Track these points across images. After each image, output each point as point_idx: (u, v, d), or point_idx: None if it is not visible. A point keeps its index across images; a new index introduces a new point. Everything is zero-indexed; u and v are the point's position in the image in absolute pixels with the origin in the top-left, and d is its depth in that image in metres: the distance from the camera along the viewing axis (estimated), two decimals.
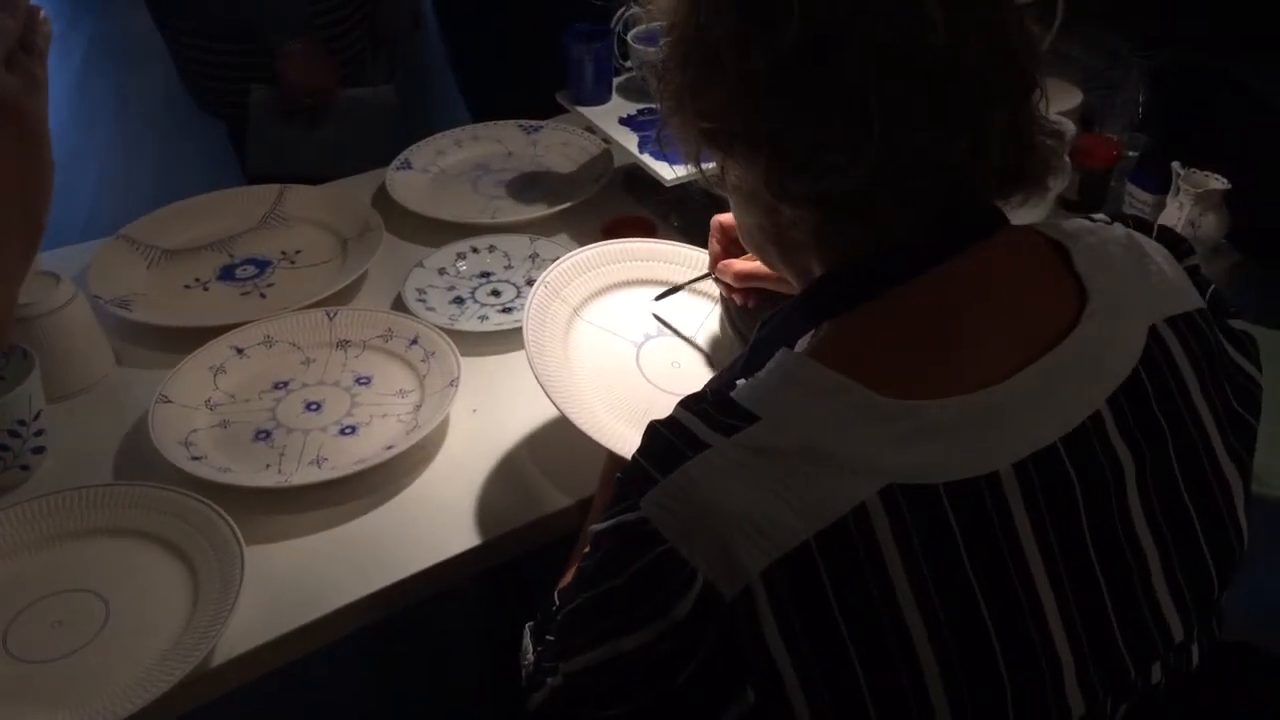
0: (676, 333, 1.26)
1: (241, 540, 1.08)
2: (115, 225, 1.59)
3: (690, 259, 1.30)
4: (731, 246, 1.17)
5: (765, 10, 0.70)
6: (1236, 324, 0.86)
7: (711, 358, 1.25)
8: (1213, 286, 0.86)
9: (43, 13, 0.85)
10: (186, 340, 1.35)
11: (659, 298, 1.27)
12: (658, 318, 1.27)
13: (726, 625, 0.66)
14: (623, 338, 1.24)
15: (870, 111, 0.68)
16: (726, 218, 1.13)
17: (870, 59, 0.68)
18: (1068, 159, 1.52)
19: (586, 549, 0.75)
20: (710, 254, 1.20)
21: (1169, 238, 0.87)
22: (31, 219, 0.84)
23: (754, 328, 0.83)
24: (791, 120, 0.71)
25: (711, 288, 1.28)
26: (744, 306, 1.19)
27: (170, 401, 1.26)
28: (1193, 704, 0.82)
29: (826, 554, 0.65)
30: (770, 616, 0.65)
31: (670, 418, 0.73)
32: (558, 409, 1.08)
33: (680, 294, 1.29)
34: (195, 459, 1.19)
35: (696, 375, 1.22)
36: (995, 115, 0.72)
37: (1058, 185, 1.51)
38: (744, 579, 0.65)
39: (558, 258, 1.26)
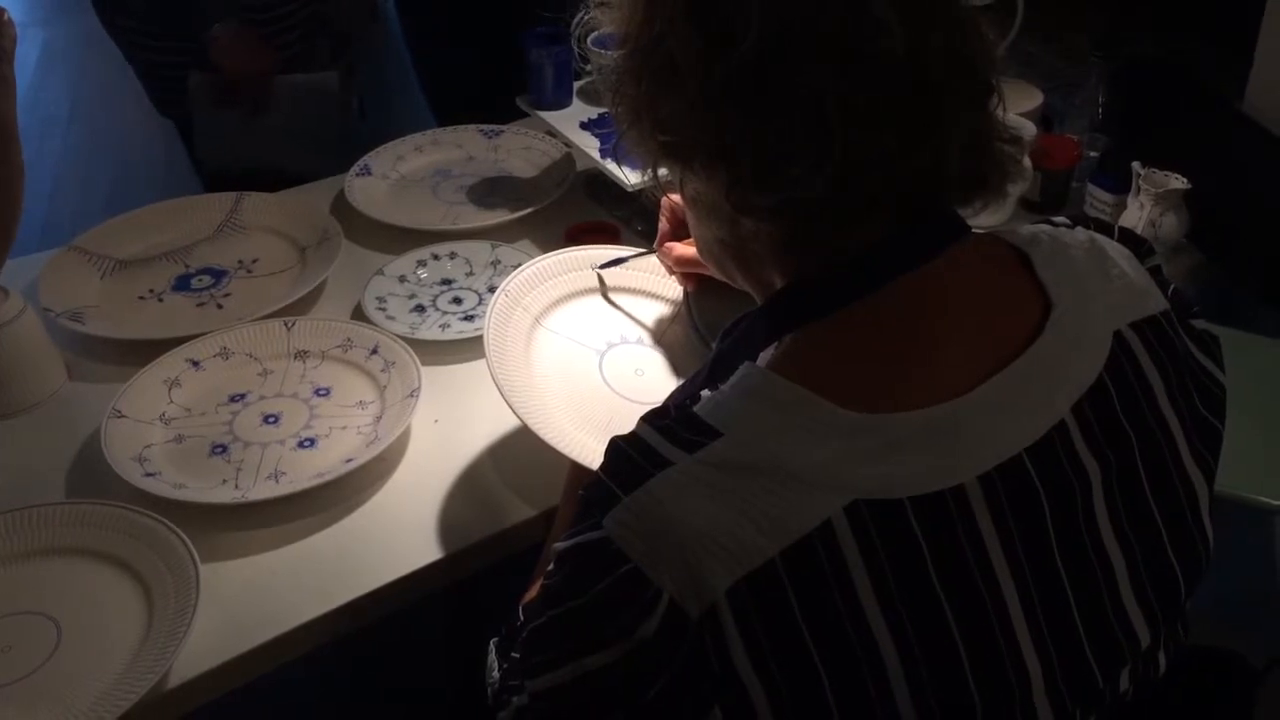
0: (613, 303, 1.27)
1: (197, 558, 1.05)
2: (71, 234, 1.56)
3: (654, 265, 1.29)
4: (680, 228, 1.17)
5: (723, 21, 0.69)
6: (1199, 324, 0.86)
7: (674, 365, 1.24)
8: (1173, 286, 0.86)
9: (6, 14, 0.84)
10: (141, 353, 1.32)
11: (602, 266, 1.27)
12: (601, 280, 1.28)
13: (693, 644, 0.65)
14: (585, 346, 1.22)
15: (830, 121, 0.68)
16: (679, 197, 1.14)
17: (829, 68, 0.68)
18: (1028, 160, 1.52)
19: (551, 565, 0.74)
20: (659, 231, 1.20)
21: (1130, 239, 0.87)
22: (3, 217, 0.84)
23: (712, 325, 0.82)
24: (751, 132, 0.70)
25: (677, 293, 1.27)
26: (701, 301, 1.19)
27: (124, 416, 1.23)
28: (1161, 711, 0.81)
29: (792, 571, 0.64)
30: (737, 635, 0.64)
31: (633, 434, 0.71)
32: (520, 419, 1.07)
33: (644, 299, 1.29)
34: (149, 475, 1.16)
35: (660, 383, 1.21)
36: (955, 123, 0.72)
37: (1018, 188, 1.51)
38: (710, 597, 0.64)
39: (519, 264, 1.25)
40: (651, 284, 1.30)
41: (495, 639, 0.90)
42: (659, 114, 0.75)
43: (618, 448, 0.71)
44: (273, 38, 2.06)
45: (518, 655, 0.78)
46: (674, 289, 1.28)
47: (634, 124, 0.77)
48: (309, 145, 1.79)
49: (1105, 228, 0.86)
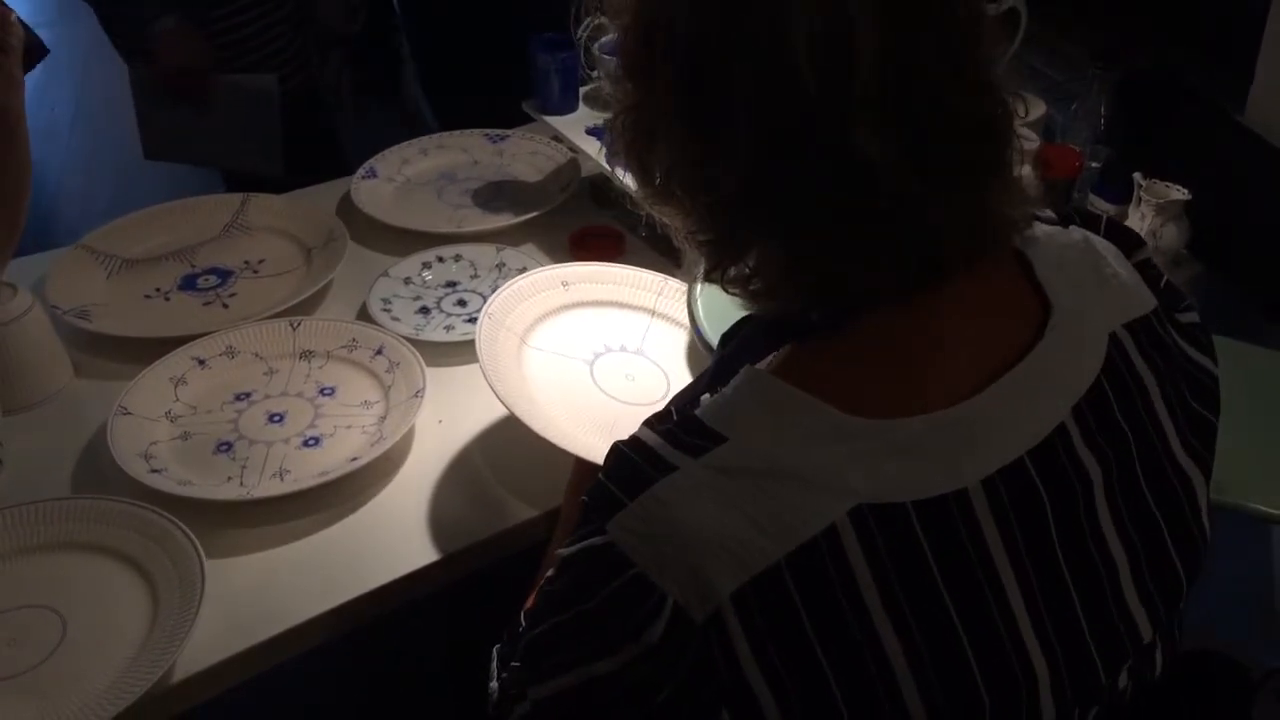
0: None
1: (202, 554, 1.06)
2: (76, 234, 1.57)
3: (635, 279, 1.32)
4: None
5: (706, 80, 0.66)
6: (1186, 318, 0.86)
7: (663, 368, 1.26)
8: (1165, 278, 0.86)
9: (13, 14, 0.85)
10: (147, 351, 1.33)
11: None
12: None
13: (699, 649, 0.65)
14: (574, 358, 1.24)
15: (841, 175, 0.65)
16: None
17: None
18: (1031, 170, 1.53)
19: (553, 570, 0.74)
20: None
21: (1116, 233, 0.86)
22: (10, 211, 0.84)
23: (715, 329, 0.81)
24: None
25: (647, 302, 1.30)
26: (705, 304, 1.19)
27: (130, 413, 1.24)
28: (1157, 710, 0.82)
29: (798, 575, 0.64)
30: (743, 638, 0.64)
31: (634, 438, 0.71)
32: (521, 421, 1.08)
33: (617, 310, 1.33)
34: (155, 472, 1.17)
35: (652, 386, 1.24)
36: (978, 181, 0.69)
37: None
38: (715, 602, 0.64)
39: (524, 268, 1.26)
40: (622, 295, 1.33)
41: (497, 646, 0.90)
42: (650, 158, 0.72)
43: (620, 452, 0.71)
44: (263, 32, 2.07)
45: (518, 663, 0.76)
46: (644, 298, 1.32)
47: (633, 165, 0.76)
48: (254, 150, 1.78)
49: (1091, 220, 0.86)
